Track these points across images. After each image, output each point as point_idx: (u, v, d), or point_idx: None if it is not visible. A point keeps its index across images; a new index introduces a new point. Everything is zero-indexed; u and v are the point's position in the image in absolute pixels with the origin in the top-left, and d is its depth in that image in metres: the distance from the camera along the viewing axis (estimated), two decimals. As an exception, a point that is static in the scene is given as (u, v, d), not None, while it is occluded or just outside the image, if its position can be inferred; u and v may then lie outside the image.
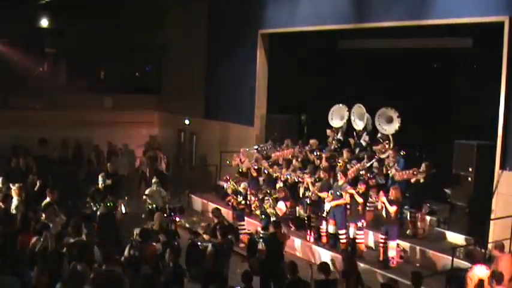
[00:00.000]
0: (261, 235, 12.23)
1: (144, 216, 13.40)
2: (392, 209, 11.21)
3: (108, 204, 12.14)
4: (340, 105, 14.71)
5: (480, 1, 11.42)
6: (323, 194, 12.26)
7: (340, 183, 12.01)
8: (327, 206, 12.07)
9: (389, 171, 12.46)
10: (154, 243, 9.51)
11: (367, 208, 12.58)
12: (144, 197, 13.82)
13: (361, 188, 11.79)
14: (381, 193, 11.47)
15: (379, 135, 13.60)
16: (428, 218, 12.49)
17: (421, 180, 11.90)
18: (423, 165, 11.98)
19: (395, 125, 13.27)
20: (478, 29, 12.09)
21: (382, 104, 13.77)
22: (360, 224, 11.82)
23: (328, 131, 14.78)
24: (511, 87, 10.95)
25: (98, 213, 12.12)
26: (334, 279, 8.74)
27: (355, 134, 14.39)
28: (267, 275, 9.93)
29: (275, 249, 10.19)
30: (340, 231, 12.07)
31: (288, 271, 8.52)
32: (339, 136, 14.65)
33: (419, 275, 8.14)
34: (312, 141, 14.55)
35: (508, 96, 10.97)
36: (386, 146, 13.19)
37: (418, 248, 11.62)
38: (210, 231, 10.88)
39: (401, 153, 12.63)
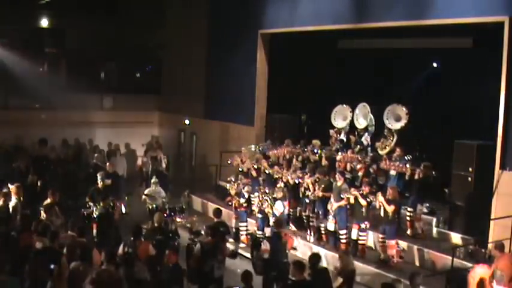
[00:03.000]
0: (258, 234, 12.25)
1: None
2: (391, 209, 11.22)
3: (108, 204, 12.15)
4: (344, 105, 14.67)
5: (480, 1, 11.41)
6: (328, 194, 12.26)
7: (339, 184, 12.01)
8: (334, 206, 12.06)
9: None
10: (148, 242, 9.46)
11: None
12: (144, 197, 13.83)
13: (365, 189, 11.78)
14: (379, 193, 11.48)
15: (385, 130, 13.56)
16: (424, 217, 12.49)
17: (416, 177, 11.87)
18: (422, 165, 11.98)
19: (402, 122, 13.24)
20: (478, 29, 12.08)
21: (381, 104, 13.75)
22: (363, 226, 11.82)
23: (331, 131, 14.76)
24: (511, 87, 10.94)
25: (97, 213, 12.11)
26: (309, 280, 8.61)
27: (356, 132, 14.38)
28: (270, 275, 9.92)
29: (278, 249, 10.17)
30: (341, 231, 12.07)
31: (294, 271, 8.45)
32: (342, 136, 14.64)
33: (417, 275, 8.13)
34: (314, 141, 14.54)
35: (508, 96, 10.96)
36: (389, 142, 13.16)
37: (418, 248, 11.62)
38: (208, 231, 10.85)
39: (408, 157, 12.56)
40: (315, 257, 9.14)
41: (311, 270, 8.60)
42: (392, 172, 12.39)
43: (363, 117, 14.19)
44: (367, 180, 12.18)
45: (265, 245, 10.14)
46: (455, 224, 11.92)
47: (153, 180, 14.07)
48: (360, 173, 12.78)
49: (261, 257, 10.14)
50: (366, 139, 14.08)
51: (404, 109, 13.20)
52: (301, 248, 12.60)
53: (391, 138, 13.23)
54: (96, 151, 18.00)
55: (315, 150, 14.06)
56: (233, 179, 14.24)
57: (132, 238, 9.38)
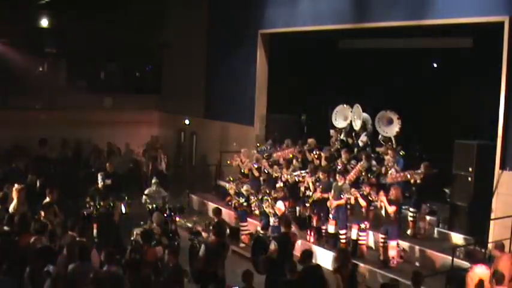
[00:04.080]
0: (261, 234, 12.25)
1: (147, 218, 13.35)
2: (392, 209, 11.20)
3: (108, 204, 12.14)
4: (344, 105, 14.66)
5: (480, 1, 11.41)
6: (327, 195, 12.26)
7: (340, 183, 12.01)
8: (334, 204, 12.04)
9: (389, 172, 12.46)
10: (155, 247, 9.46)
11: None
12: (144, 197, 13.75)
13: (365, 189, 11.78)
14: (381, 192, 11.46)
15: (380, 137, 13.55)
16: (428, 218, 12.49)
17: (418, 181, 11.88)
18: (422, 165, 11.97)
19: (396, 127, 13.23)
20: (478, 29, 12.08)
21: (382, 104, 13.76)
22: (363, 226, 11.82)
23: (332, 131, 14.76)
24: (511, 87, 10.94)
25: (97, 213, 12.10)
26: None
27: (354, 134, 14.38)
28: (275, 275, 9.89)
29: (286, 249, 10.16)
30: (341, 231, 12.07)
31: (287, 271, 8.49)
32: (342, 136, 14.63)
33: (419, 275, 8.14)
34: (310, 140, 14.54)
35: (508, 96, 10.96)
36: (390, 148, 13.15)
37: (418, 248, 11.62)
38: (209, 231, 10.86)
39: (401, 153, 12.60)
40: (306, 254, 9.13)
41: (302, 267, 8.63)
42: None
43: (358, 118, 14.21)
44: (371, 181, 12.19)
45: (274, 245, 10.10)
46: (456, 224, 11.91)
47: (153, 181, 14.03)
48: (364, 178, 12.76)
49: (270, 257, 10.11)
50: (361, 140, 14.07)
51: (394, 114, 13.24)
52: (301, 248, 12.59)
53: (390, 144, 13.24)
54: (96, 151, 18.03)
55: (314, 151, 14.06)
56: (231, 179, 14.23)
57: (140, 243, 9.34)
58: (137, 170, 18.16)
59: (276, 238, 10.75)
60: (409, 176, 11.96)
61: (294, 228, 12.91)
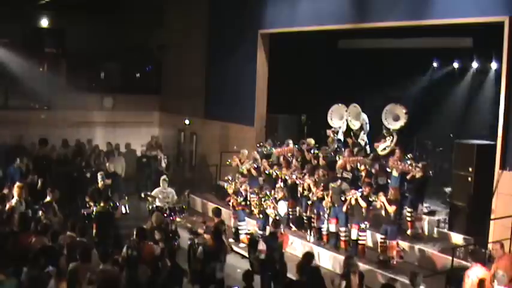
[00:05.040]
0: (259, 234, 12.25)
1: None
2: (392, 209, 11.21)
3: (108, 204, 12.14)
4: (339, 104, 14.68)
5: (480, 1, 11.40)
6: (328, 192, 12.27)
7: (335, 185, 12.04)
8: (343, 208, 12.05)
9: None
10: (152, 243, 9.45)
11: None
12: (150, 197, 13.49)
13: (365, 190, 11.79)
14: (380, 193, 11.48)
15: (384, 130, 13.53)
16: (425, 217, 12.49)
17: (417, 176, 11.87)
18: (420, 164, 11.97)
19: (402, 121, 13.19)
20: (478, 29, 12.08)
21: (381, 104, 13.76)
22: (363, 226, 11.82)
23: (328, 131, 14.76)
24: (511, 87, 10.94)
25: (97, 213, 12.10)
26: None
27: (352, 133, 14.38)
28: (267, 275, 9.94)
29: (274, 249, 10.20)
30: (341, 229, 12.09)
31: (298, 270, 8.52)
32: (339, 136, 14.63)
33: (417, 274, 8.13)
34: (308, 140, 14.54)
35: (508, 96, 10.96)
36: (389, 142, 13.13)
37: (418, 248, 11.62)
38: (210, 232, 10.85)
39: (409, 156, 12.48)
40: (308, 256, 9.14)
41: (305, 268, 8.65)
42: (395, 173, 12.35)
43: (355, 118, 14.20)
44: (368, 181, 12.18)
45: (262, 245, 10.16)
46: (455, 224, 11.92)
47: (162, 178, 13.90)
48: (363, 173, 12.76)
49: (258, 257, 10.17)
50: (362, 139, 14.07)
51: (403, 109, 13.18)
52: (301, 248, 12.59)
53: (391, 139, 13.21)
54: (96, 151, 18.02)
55: (312, 151, 14.06)
56: (230, 178, 14.22)
57: (136, 240, 9.35)
58: (152, 166, 18.12)
59: (264, 238, 10.82)
60: (410, 167, 11.94)
61: (292, 229, 13.01)
